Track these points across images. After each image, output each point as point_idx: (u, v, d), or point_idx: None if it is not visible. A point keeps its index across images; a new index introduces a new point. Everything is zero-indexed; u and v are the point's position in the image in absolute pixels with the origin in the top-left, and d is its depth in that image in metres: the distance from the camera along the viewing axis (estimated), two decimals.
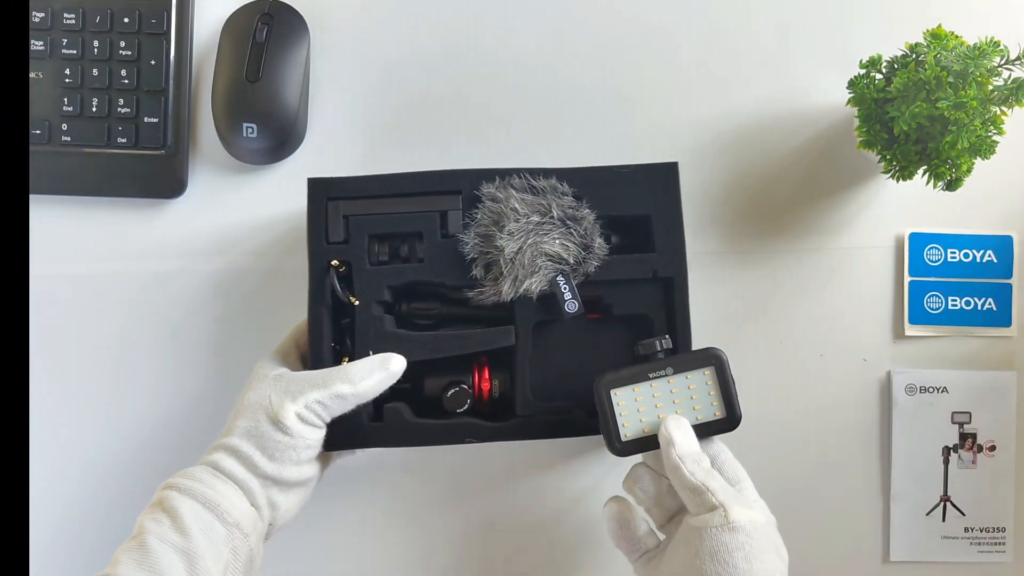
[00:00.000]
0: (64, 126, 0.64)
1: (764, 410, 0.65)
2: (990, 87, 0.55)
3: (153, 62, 0.64)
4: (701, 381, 0.54)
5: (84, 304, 0.65)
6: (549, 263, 0.56)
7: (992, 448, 0.66)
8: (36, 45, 0.64)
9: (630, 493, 0.55)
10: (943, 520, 0.65)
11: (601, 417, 0.54)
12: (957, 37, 0.57)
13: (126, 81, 0.64)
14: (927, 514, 0.65)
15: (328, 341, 0.57)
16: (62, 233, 0.65)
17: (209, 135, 0.66)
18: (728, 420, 0.54)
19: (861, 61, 0.59)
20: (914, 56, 0.58)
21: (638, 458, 0.56)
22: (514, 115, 0.67)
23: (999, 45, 0.55)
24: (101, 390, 0.65)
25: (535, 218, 0.57)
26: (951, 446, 0.66)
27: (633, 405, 0.54)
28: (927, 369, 0.66)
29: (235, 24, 0.65)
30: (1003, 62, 0.56)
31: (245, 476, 0.51)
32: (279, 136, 0.64)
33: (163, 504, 0.49)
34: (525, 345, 0.58)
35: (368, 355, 0.55)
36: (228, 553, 0.49)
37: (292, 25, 0.65)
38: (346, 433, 0.55)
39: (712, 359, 0.54)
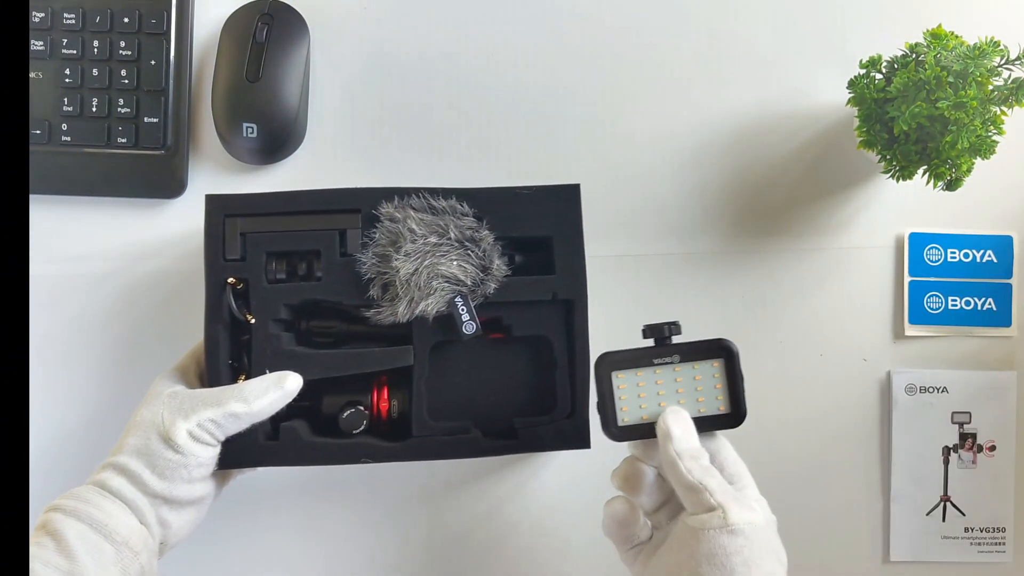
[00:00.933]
0: (64, 126, 0.64)
1: (764, 410, 0.65)
2: (990, 87, 0.55)
3: (153, 62, 0.64)
4: (708, 373, 0.52)
5: (84, 304, 0.65)
6: (446, 285, 0.56)
7: (992, 448, 0.66)
8: (36, 45, 0.64)
9: (621, 489, 0.53)
10: (943, 520, 0.65)
11: (599, 399, 0.52)
12: (957, 37, 0.57)
13: (126, 81, 0.64)
14: (927, 514, 0.65)
15: (225, 359, 0.57)
16: (62, 233, 0.65)
17: (209, 135, 0.66)
18: (732, 416, 0.52)
19: (861, 61, 0.59)
20: (914, 56, 0.58)
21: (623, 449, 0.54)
22: (512, 116, 0.67)
23: (999, 45, 0.55)
24: (102, 390, 0.65)
25: (432, 239, 0.56)
26: (951, 446, 0.66)
27: (635, 390, 0.52)
28: (927, 369, 0.66)
29: (235, 24, 0.65)
30: (1003, 62, 0.56)
31: (133, 495, 0.50)
32: (279, 136, 0.64)
33: (47, 527, 0.48)
34: (422, 365, 0.57)
35: (264, 373, 0.54)
36: (117, 573, 0.48)
37: (292, 25, 0.65)
38: (241, 451, 0.55)
39: (722, 351, 0.52)
